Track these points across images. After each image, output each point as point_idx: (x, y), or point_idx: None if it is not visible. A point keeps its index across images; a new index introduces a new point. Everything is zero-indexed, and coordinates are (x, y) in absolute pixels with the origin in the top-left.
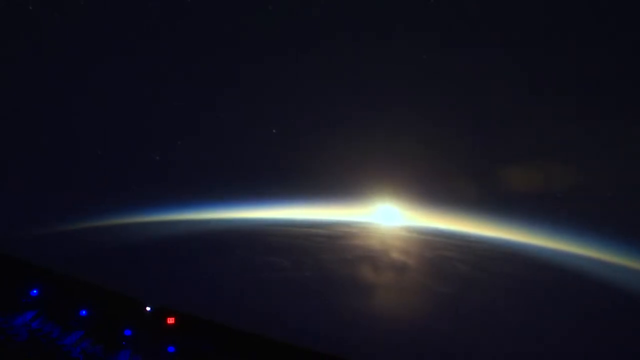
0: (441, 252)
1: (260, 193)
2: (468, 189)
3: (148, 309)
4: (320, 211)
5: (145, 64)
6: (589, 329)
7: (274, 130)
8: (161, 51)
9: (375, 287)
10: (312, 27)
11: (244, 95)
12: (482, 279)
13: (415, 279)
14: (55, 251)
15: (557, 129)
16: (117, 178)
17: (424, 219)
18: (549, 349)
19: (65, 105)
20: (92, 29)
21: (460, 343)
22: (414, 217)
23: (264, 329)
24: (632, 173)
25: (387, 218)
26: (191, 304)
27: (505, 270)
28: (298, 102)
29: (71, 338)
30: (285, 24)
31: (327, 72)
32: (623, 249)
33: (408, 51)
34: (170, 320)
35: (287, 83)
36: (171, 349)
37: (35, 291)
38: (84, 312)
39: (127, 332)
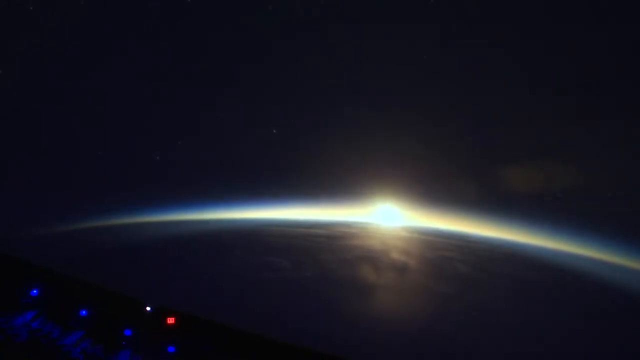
0: (441, 252)
1: (260, 193)
2: (468, 189)
3: (148, 309)
4: (320, 211)
5: (145, 64)
6: (589, 329)
7: (274, 130)
8: (161, 51)
9: (375, 288)
10: (312, 27)
11: (244, 95)
12: (483, 279)
13: (415, 279)
14: (55, 251)
15: (557, 129)
16: (117, 178)
17: (424, 219)
18: (549, 349)
19: (65, 105)
20: (92, 29)
21: (461, 343)
22: (414, 218)
23: (264, 329)
24: (632, 173)
25: (387, 218)
26: (191, 304)
27: (505, 270)
28: (298, 102)
29: (71, 338)
30: (285, 24)
31: (327, 72)
32: (623, 249)
33: (408, 51)
34: (170, 320)
35: (287, 83)
36: (171, 349)
37: (35, 291)
38: (84, 312)
39: (127, 332)
